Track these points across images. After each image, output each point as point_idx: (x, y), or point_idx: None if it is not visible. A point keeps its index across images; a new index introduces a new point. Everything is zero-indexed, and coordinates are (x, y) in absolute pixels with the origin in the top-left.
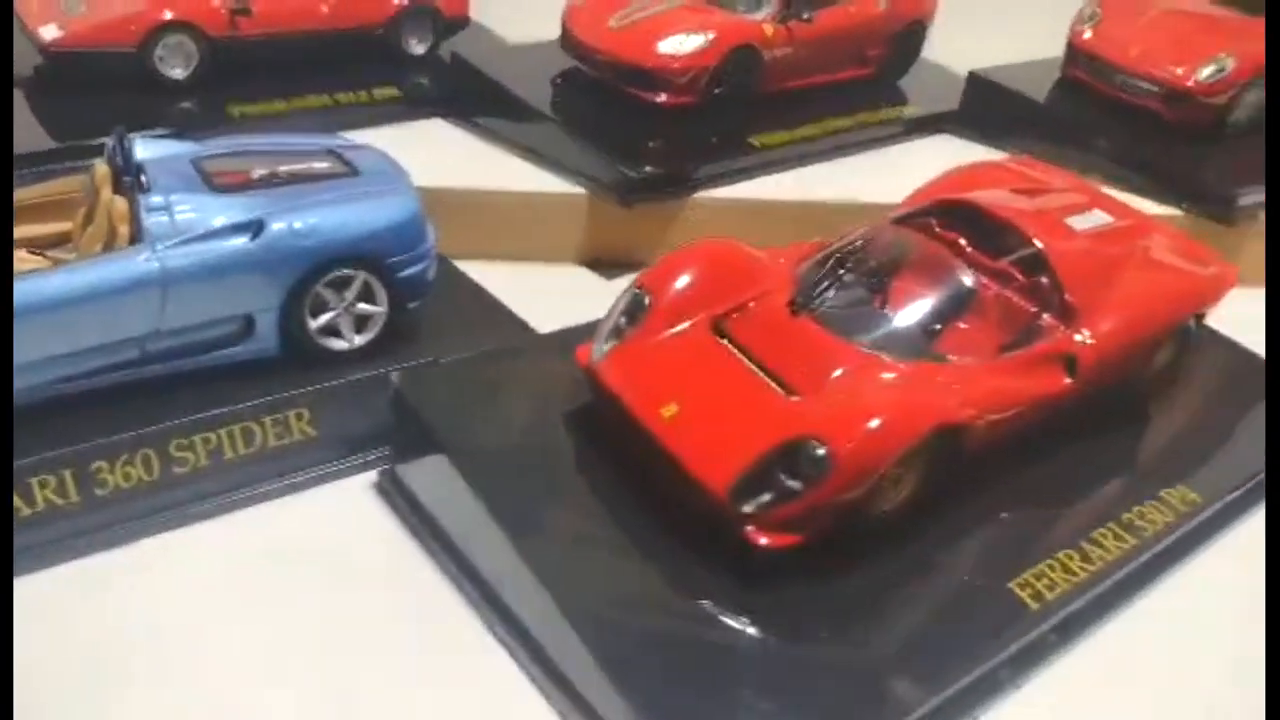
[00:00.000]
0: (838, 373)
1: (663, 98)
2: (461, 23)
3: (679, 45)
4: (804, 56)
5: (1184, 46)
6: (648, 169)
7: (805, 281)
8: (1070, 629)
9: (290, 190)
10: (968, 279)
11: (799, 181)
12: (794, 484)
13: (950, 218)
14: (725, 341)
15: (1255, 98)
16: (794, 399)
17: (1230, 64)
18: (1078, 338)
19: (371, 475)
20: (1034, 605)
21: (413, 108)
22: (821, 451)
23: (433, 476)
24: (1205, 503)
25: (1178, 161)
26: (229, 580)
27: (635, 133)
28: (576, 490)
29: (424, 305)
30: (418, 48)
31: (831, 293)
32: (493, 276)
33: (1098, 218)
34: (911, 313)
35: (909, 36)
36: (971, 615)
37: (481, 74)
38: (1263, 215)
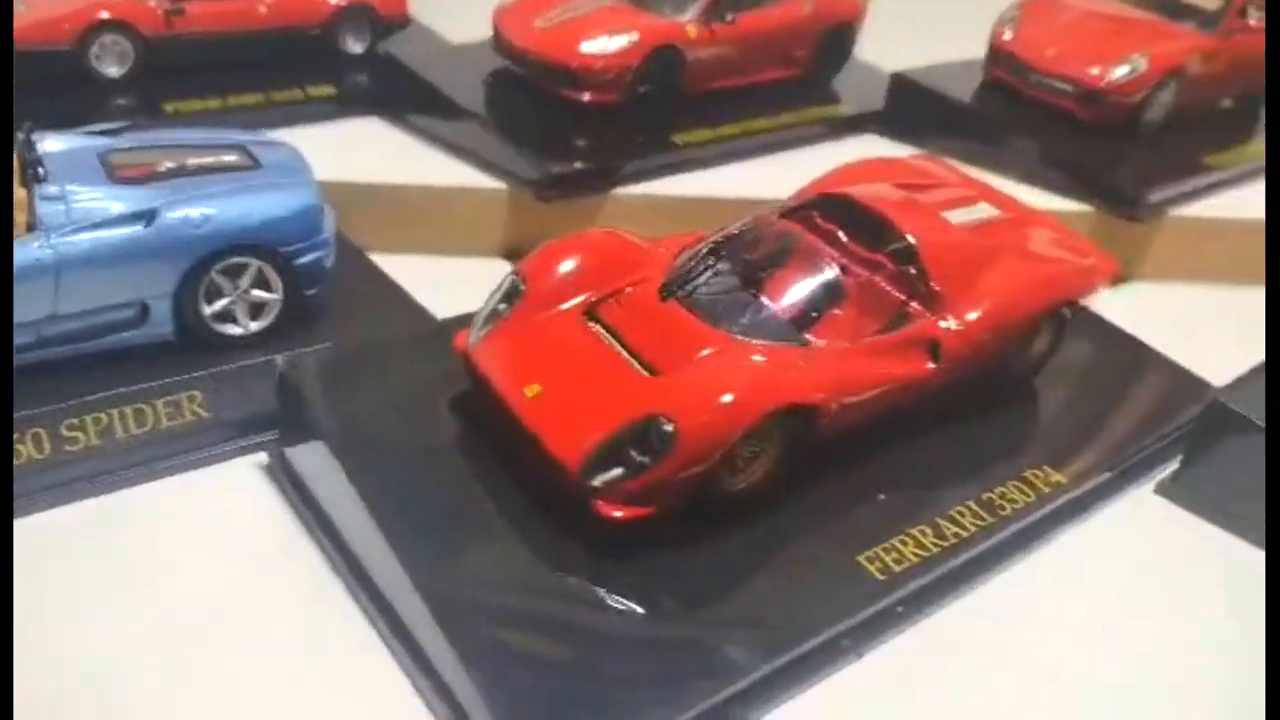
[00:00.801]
0: (698, 355)
1: (587, 96)
2: (400, 23)
3: (602, 45)
4: (728, 57)
5: (1098, 47)
6: (566, 165)
7: (679, 269)
8: (920, 602)
9: (188, 181)
10: (833, 269)
11: (719, 180)
12: (643, 459)
13: (830, 210)
14: (596, 325)
15: (1168, 97)
16: (651, 379)
17: (1143, 64)
18: (942, 324)
19: (262, 457)
20: (880, 577)
21: (348, 106)
22: (668, 428)
23: (315, 460)
24: (1070, 485)
25: (1091, 160)
26: (114, 557)
27: (559, 130)
28: (448, 474)
29: (330, 294)
30: (355, 47)
31: (702, 280)
32: (413, 269)
33: (980, 212)
34: (778, 300)
35: (836, 38)
36: (817, 586)
37: (413, 74)
38: (1171, 212)
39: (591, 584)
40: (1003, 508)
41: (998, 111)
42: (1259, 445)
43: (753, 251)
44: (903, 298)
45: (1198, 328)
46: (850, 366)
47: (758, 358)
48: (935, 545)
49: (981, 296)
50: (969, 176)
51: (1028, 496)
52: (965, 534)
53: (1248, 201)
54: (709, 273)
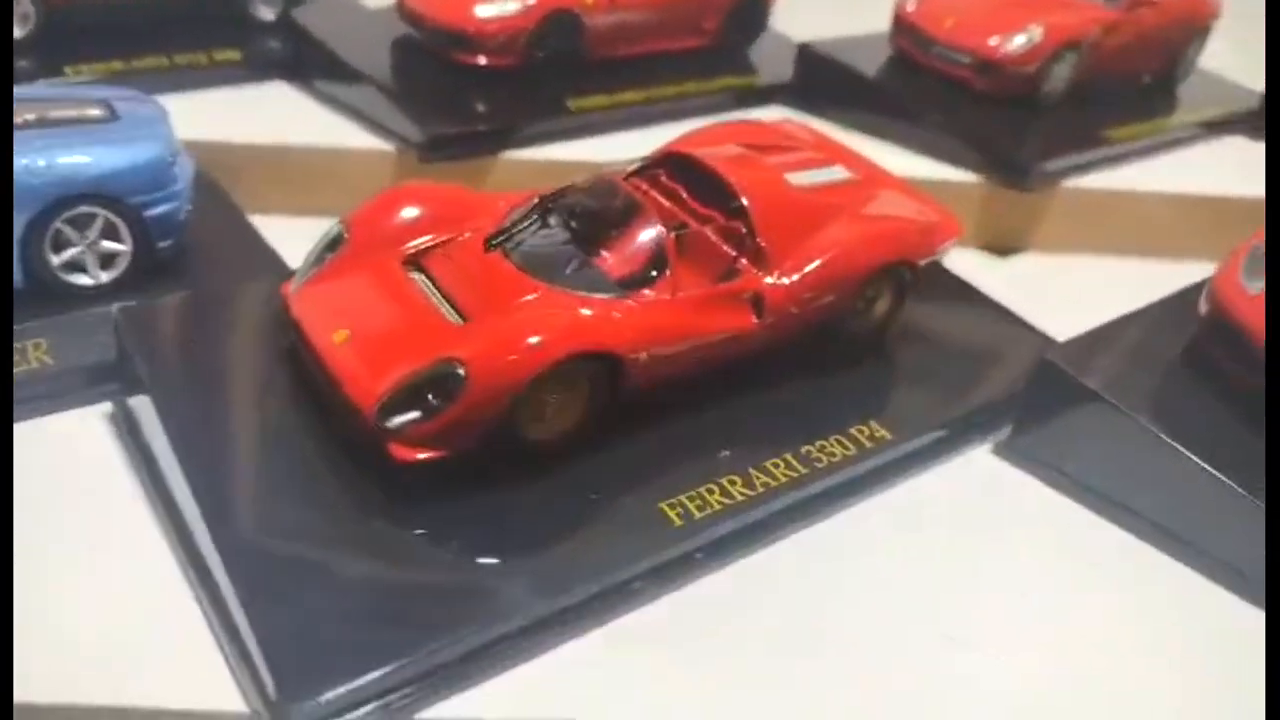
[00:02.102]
0: (510, 304)
1: (482, 60)
2: None
3: (496, 9)
4: (631, 24)
5: (996, 19)
6: (452, 128)
7: (509, 222)
8: (723, 550)
9: (38, 133)
10: (658, 226)
11: (613, 145)
12: (436, 402)
13: (674, 169)
14: (418, 274)
15: (1066, 69)
16: (455, 326)
17: (1038, 35)
18: (768, 280)
19: (107, 406)
20: (679, 523)
21: (255, 71)
22: (459, 371)
23: (147, 410)
24: (896, 441)
25: (988, 131)
26: None
27: (451, 94)
28: (261, 422)
29: (195, 248)
30: (267, 13)
31: (530, 233)
32: (295, 228)
33: (830, 174)
34: (604, 254)
35: (748, 8)
36: (614, 532)
37: (315, 39)
38: (1064, 184)
39: (384, 530)
40: (819, 461)
41: (900, 83)
42: (1088, 405)
43: (585, 207)
44: (734, 254)
45: (1084, 298)
46: (667, 318)
47: (564, 306)
48: (742, 494)
49: (809, 254)
50: (830, 140)
51: (847, 450)
52: (775, 484)
53: (1145, 175)
54: (538, 226)
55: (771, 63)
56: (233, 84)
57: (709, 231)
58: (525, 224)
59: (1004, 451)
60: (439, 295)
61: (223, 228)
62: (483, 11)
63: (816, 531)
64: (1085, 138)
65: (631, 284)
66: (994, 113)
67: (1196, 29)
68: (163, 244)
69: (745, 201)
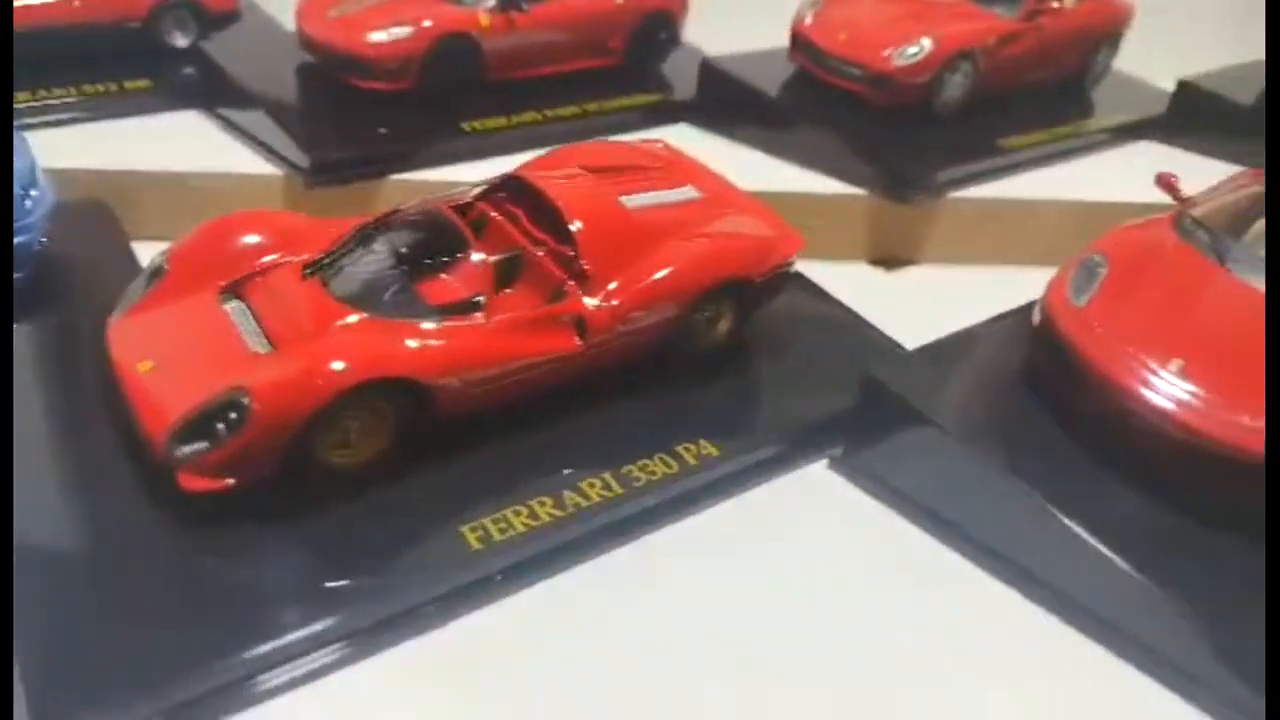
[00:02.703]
0: (322, 332)
1: (376, 84)
2: (230, 16)
3: (387, 34)
4: (531, 46)
5: (887, 31)
6: (339, 152)
7: (332, 249)
8: (528, 572)
9: None
10: (476, 253)
11: (506, 166)
12: (224, 431)
13: (512, 193)
14: (234, 303)
15: (961, 79)
16: (254, 355)
17: (929, 45)
18: (591, 302)
19: None
20: (477, 546)
21: (166, 100)
22: (245, 400)
23: None
24: (724, 458)
25: (880, 144)
26: None
27: (343, 118)
28: (68, 452)
29: (66, 278)
30: (180, 41)
31: (352, 260)
32: None
33: (670, 195)
34: (426, 281)
35: (654, 26)
36: (409, 557)
37: (219, 67)
38: (954, 195)
39: (174, 558)
40: (638, 480)
41: (797, 98)
42: (910, 421)
43: (406, 234)
44: (562, 277)
45: (967, 310)
46: (481, 343)
47: (369, 333)
48: (550, 516)
49: (635, 276)
50: (688, 160)
51: (670, 469)
52: (587, 504)
53: (1042, 183)
54: (359, 253)
55: (683, 80)
56: (141, 113)
57: (540, 255)
58: (345, 251)
59: (838, 467)
60: (252, 324)
61: (102, 258)
62: (374, 36)
63: (631, 551)
64: (980, 148)
65: (451, 310)
66: (888, 125)
67: (1107, 35)
68: (17, 275)
69: (571, 224)
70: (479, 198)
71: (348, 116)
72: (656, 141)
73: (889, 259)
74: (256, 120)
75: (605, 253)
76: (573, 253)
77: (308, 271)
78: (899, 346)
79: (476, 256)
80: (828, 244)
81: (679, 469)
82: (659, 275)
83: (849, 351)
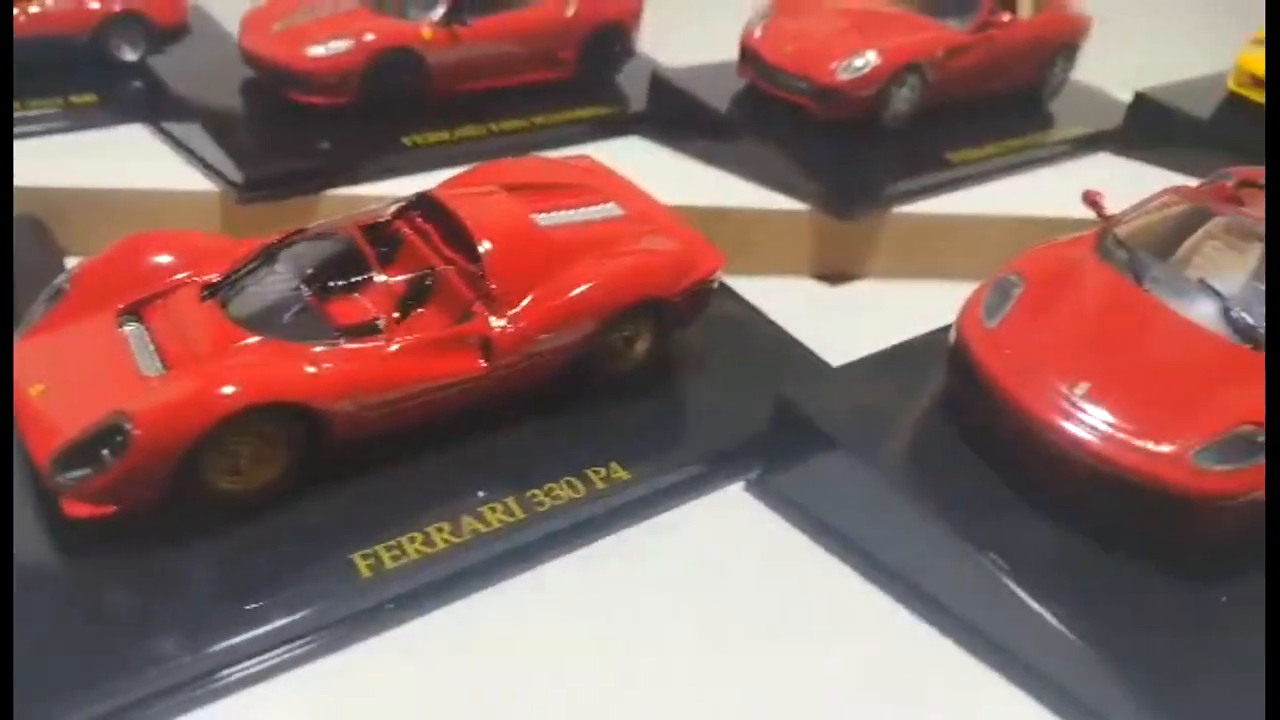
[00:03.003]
0: (217, 355)
1: (315, 99)
2: (179, 30)
3: (327, 49)
4: (477, 59)
5: (833, 44)
6: (272, 167)
7: (234, 269)
8: (423, 600)
9: None
10: (378, 274)
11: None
12: (107, 457)
13: (426, 211)
14: (133, 325)
15: (909, 92)
16: (143, 379)
17: (875, 58)
18: (498, 323)
19: None
20: (368, 574)
21: (112, 114)
22: (127, 425)
23: None
24: (636, 482)
25: (826, 158)
26: None
27: (282, 134)
28: None
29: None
30: (129, 55)
31: (251, 281)
32: None
33: (591, 213)
34: (325, 301)
35: (606, 38)
36: (293, 583)
37: (162, 80)
38: (899, 210)
39: (57, 585)
40: (541, 504)
41: (747, 112)
42: (819, 444)
43: (309, 254)
44: (470, 297)
45: (907, 326)
46: (380, 366)
47: (262, 357)
48: (447, 542)
49: (544, 296)
50: (614, 176)
51: (577, 493)
52: (486, 529)
53: (990, 197)
54: (262, 274)
55: (637, 92)
56: (86, 128)
57: (450, 275)
58: (247, 272)
59: (754, 489)
60: (148, 346)
61: (33, 275)
62: (313, 51)
63: (532, 578)
64: (928, 161)
65: (352, 332)
66: (835, 139)
67: (1063, 47)
68: None
69: (479, 243)
70: (394, 216)
71: (286, 131)
72: (584, 157)
73: (833, 274)
74: (196, 135)
75: (514, 272)
76: (481, 273)
77: (207, 293)
78: (827, 366)
79: (380, 277)
80: (771, 259)
81: (586, 493)
82: (569, 296)
83: (775, 371)
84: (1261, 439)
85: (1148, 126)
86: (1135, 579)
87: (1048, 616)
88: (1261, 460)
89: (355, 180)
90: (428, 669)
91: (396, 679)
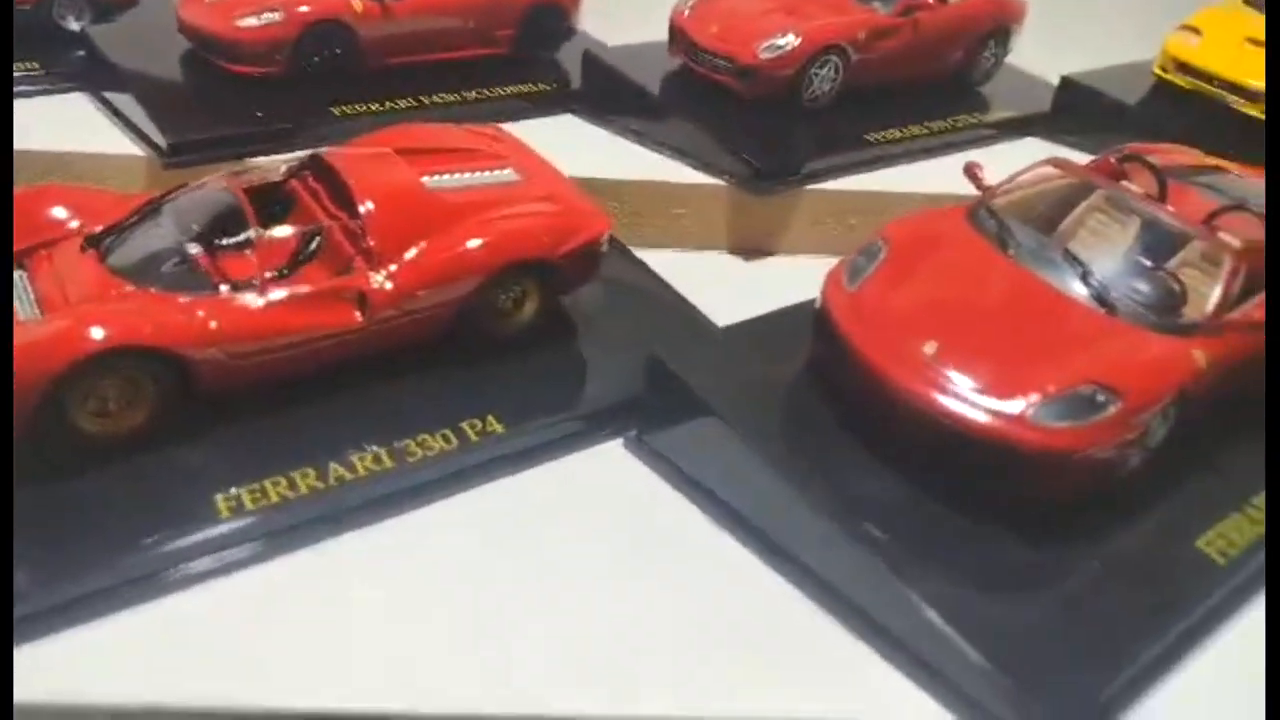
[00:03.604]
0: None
1: (246, 68)
2: (126, 2)
3: (256, 19)
4: (411, 33)
5: (756, 24)
6: (197, 134)
7: (120, 221)
8: (285, 542)
9: None
10: (254, 228)
11: None
12: None
13: (316, 171)
14: (19, 272)
15: (830, 73)
16: (21, 321)
17: (794, 39)
18: (375, 279)
19: None
20: (225, 515)
21: (56, 82)
22: None
23: None
24: (509, 434)
25: (742, 135)
26: None
27: (211, 101)
28: None
29: None
30: (74, 24)
31: (133, 233)
32: None
33: (484, 177)
34: (203, 253)
35: (546, 16)
36: (156, 525)
37: (100, 50)
38: (813, 187)
39: None
40: (413, 454)
41: (675, 91)
42: (688, 403)
43: (191, 208)
44: (352, 254)
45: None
46: (252, 318)
47: (129, 304)
48: (310, 488)
49: (422, 255)
50: (516, 145)
51: (449, 445)
52: (352, 477)
53: (905, 177)
54: (147, 226)
55: (577, 70)
56: (30, 95)
57: (334, 232)
58: (129, 225)
59: (633, 446)
60: (27, 293)
61: None
62: (245, 21)
63: (395, 525)
64: (848, 141)
65: (230, 284)
66: (757, 118)
67: (995, 31)
68: None
69: (360, 202)
70: (286, 175)
71: (215, 100)
72: (492, 126)
73: (750, 249)
74: (129, 103)
75: (394, 231)
76: (362, 230)
77: (88, 243)
78: (708, 325)
79: (262, 233)
80: (691, 233)
81: (459, 445)
82: (447, 254)
83: (667, 335)
84: (1103, 398)
85: (1074, 111)
86: (983, 536)
87: (895, 576)
88: (1102, 418)
89: (278, 149)
90: (284, 610)
91: (250, 619)
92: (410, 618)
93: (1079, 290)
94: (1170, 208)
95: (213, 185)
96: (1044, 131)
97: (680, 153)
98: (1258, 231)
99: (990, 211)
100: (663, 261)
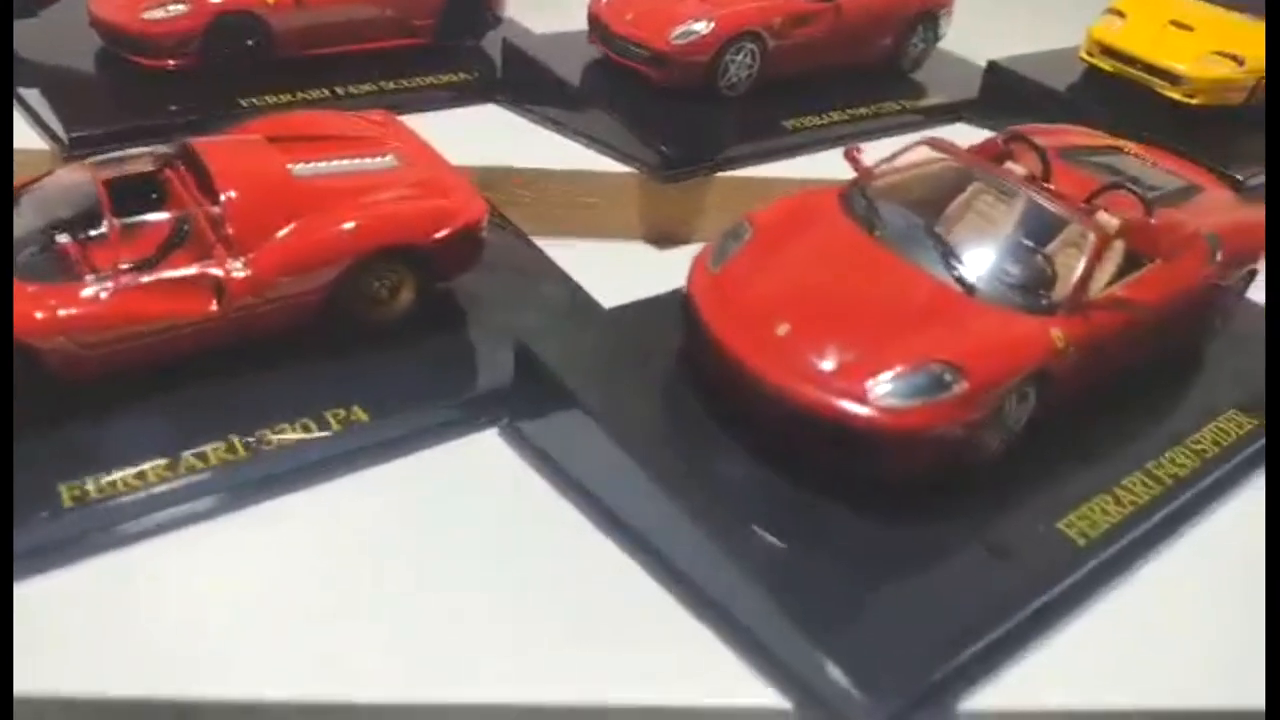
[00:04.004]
0: None
1: (155, 62)
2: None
3: (162, 12)
4: (326, 24)
5: (670, 11)
6: (101, 127)
7: None
8: (123, 534)
9: None
10: (109, 216)
11: None
12: None
13: (185, 157)
14: None
15: (746, 59)
16: None
17: (708, 26)
18: (235, 266)
19: None
20: (70, 504)
21: None
22: None
23: None
24: (375, 424)
25: (655, 123)
26: None
27: (115, 94)
28: None
29: None
30: None
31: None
32: None
33: (360, 164)
34: (60, 240)
35: (468, 3)
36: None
37: (14, 48)
38: (726, 174)
39: None
40: (269, 444)
41: (593, 80)
42: (555, 391)
43: (49, 196)
44: (213, 242)
45: None
46: (103, 307)
47: None
48: (159, 477)
49: (283, 242)
50: (403, 132)
51: (308, 433)
52: (204, 466)
53: (822, 164)
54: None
55: (492, 60)
56: None
57: (199, 220)
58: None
59: (506, 435)
60: None
61: None
62: (150, 14)
63: (253, 513)
64: (765, 129)
65: (86, 272)
66: (674, 106)
67: (922, 17)
68: None
69: (221, 190)
70: (156, 163)
71: (121, 94)
72: (380, 112)
73: (662, 238)
74: (36, 97)
75: (254, 218)
76: (220, 215)
77: None
78: (598, 309)
79: (115, 221)
80: (605, 222)
81: (320, 434)
82: (307, 241)
83: (555, 322)
84: (950, 378)
85: (1001, 96)
86: (836, 518)
87: (737, 560)
88: (948, 397)
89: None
90: (125, 601)
91: (89, 610)
92: (253, 608)
93: (940, 272)
94: (1050, 188)
95: (74, 175)
96: (974, 117)
97: (598, 142)
98: (1136, 211)
99: (862, 193)
100: (574, 251)
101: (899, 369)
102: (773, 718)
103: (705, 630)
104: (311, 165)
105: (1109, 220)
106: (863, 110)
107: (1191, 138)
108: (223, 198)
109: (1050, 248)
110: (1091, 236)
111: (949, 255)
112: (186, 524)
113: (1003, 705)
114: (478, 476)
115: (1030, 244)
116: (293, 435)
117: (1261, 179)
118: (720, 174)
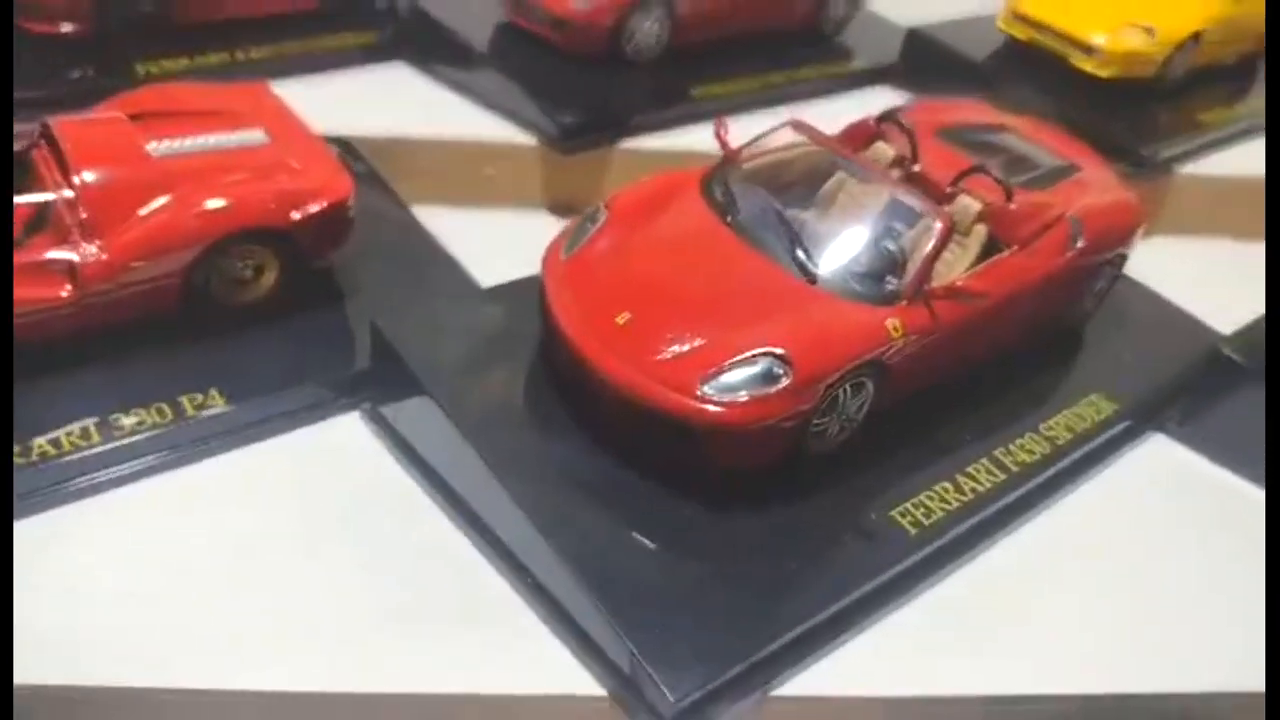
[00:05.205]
0: None
1: (47, 27)
2: None
3: None
4: None
5: None
6: None
7: None
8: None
9: None
10: None
11: None
12: None
13: (48, 138)
14: None
15: (654, 25)
16: None
17: None
18: (89, 250)
19: None
20: None
21: None
22: None
23: None
24: (230, 409)
25: (558, 90)
26: None
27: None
28: None
29: None
30: None
31: None
32: None
33: (222, 141)
34: None
35: None
36: None
37: None
38: (628, 144)
39: None
40: (121, 428)
41: (498, 44)
42: (406, 374)
43: None
44: (70, 225)
45: None
46: None
47: None
48: (75, 445)
49: (137, 225)
50: (275, 104)
51: (162, 418)
52: (56, 453)
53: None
54: None
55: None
56: None
57: (58, 203)
58: None
59: (368, 417)
60: None
61: None
62: None
63: (93, 505)
64: (672, 95)
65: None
66: (579, 73)
67: None
68: None
69: (74, 171)
70: (28, 145)
71: (21, 61)
72: (256, 82)
73: (564, 207)
74: None
75: (107, 201)
76: (76, 200)
77: None
78: (480, 291)
79: None
80: (502, 192)
81: (174, 418)
82: (161, 224)
83: (426, 300)
84: (779, 370)
85: (921, 63)
86: (665, 506)
87: (559, 546)
88: (775, 389)
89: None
90: None
91: None
92: (97, 593)
93: (785, 261)
94: (916, 171)
95: None
96: (899, 82)
97: (499, 108)
98: (996, 196)
99: (721, 177)
100: (469, 221)
101: (729, 361)
102: (589, 705)
103: (532, 617)
104: (171, 144)
105: (970, 204)
106: (778, 76)
107: (1103, 112)
108: (76, 180)
109: (909, 235)
110: (936, 225)
111: (796, 243)
112: (39, 509)
113: (808, 692)
114: (333, 460)
115: (892, 230)
116: (148, 420)
117: (1168, 154)
118: (624, 144)
